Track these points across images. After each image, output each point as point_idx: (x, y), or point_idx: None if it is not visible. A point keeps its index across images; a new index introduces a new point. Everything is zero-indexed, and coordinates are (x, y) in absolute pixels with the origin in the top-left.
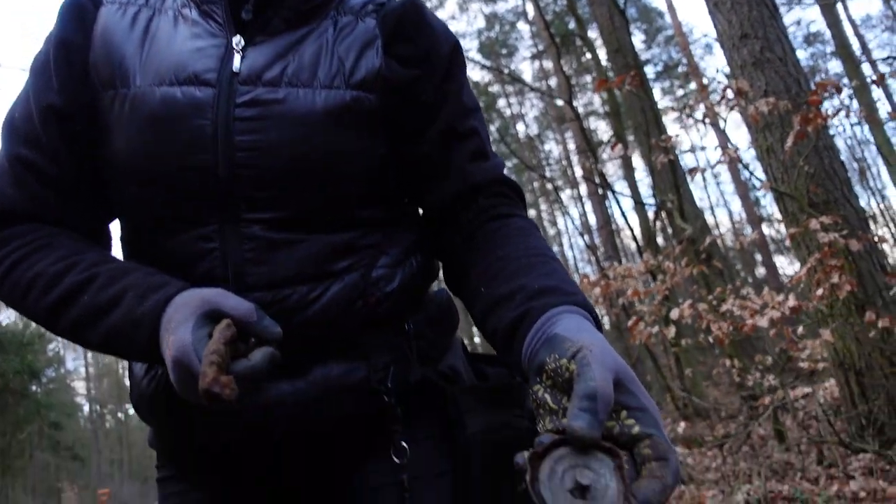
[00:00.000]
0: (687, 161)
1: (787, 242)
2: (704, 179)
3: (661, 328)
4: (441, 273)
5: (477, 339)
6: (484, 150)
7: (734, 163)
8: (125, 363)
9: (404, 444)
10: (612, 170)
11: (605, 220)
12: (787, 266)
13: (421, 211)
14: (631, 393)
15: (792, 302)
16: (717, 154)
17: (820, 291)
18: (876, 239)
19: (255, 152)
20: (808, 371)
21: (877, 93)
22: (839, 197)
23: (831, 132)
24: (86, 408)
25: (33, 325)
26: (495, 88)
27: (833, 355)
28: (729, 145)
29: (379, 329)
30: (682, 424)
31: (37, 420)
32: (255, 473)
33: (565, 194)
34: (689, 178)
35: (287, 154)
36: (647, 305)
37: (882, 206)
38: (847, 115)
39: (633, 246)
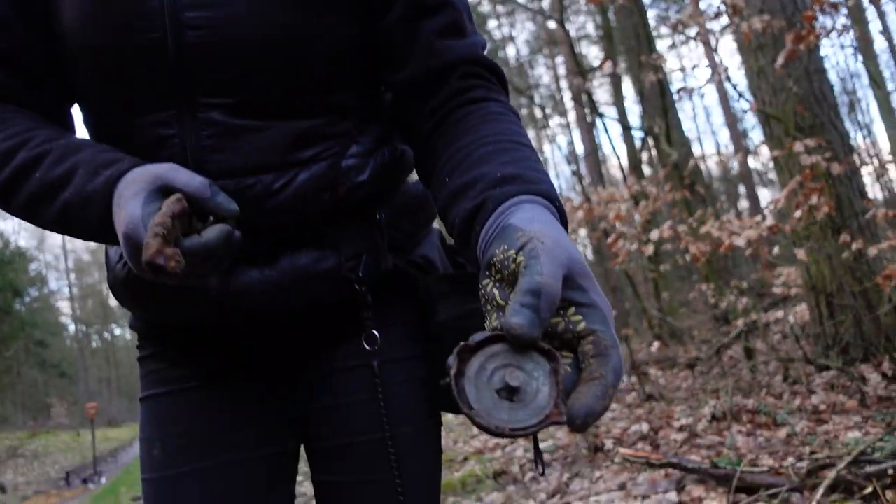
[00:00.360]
0: (677, 88)
1: (771, 175)
2: (694, 111)
3: (640, 246)
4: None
5: None
6: (458, 25)
7: (722, 84)
8: (107, 285)
9: (375, 332)
10: (602, 97)
11: (593, 148)
12: (770, 199)
13: (389, 95)
14: (581, 289)
15: (769, 221)
16: (707, 77)
17: (798, 213)
18: (858, 164)
19: (208, 31)
20: (781, 297)
21: (874, 25)
22: (826, 121)
23: (825, 63)
24: (71, 327)
25: (14, 243)
26: (485, 8)
27: (806, 278)
28: (719, 65)
29: (349, 219)
30: (656, 344)
31: (22, 337)
32: (229, 352)
33: (553, 122)
34: (677, 99)
35: (242, 33)
36: (629, 228)
37: (867, 141)
38: (840, 35)
39: (618, 175)
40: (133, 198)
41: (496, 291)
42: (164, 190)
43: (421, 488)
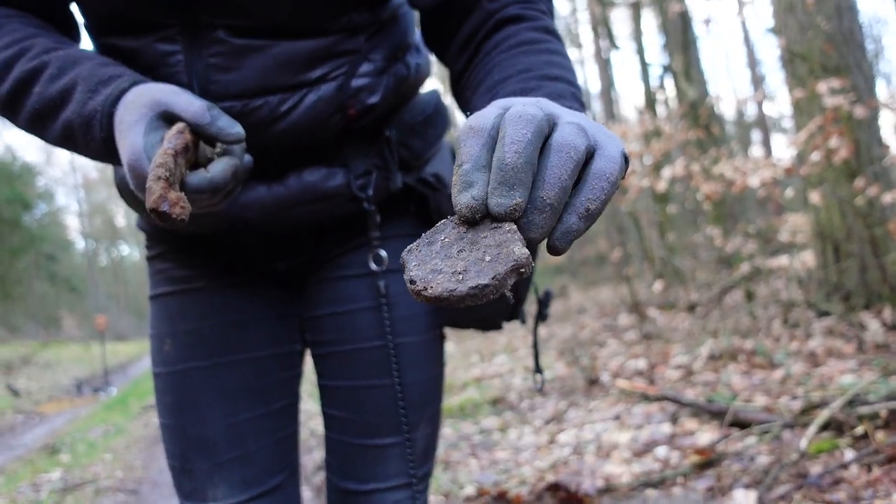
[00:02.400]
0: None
1: (785, 123)
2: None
3: (652, 181)
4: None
5: None
6: None
7: (745, 24)
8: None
9: (382, 252)
10: (621, 31)
11: (607, 85)
12: (784, 146)
13: (419, 16)
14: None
15: (786, 163)
16: (730, 13)
17: (815, 156)
18: (880, 107)
19: None
20: (787, 244)
21: None
22: (851, 63)
23: (856, 1)
24: (80, 244)
25: (21, 157)
26: None
27: (814, 223)
28: (746, 1)
29: (358, 137)
30: (658, 285)
31: (32, 251)
32: (236, 257)
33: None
34: (702, 31)
35: None
36: (641, 166)
37: (889, 90)
38: None
39: (632, 116)
40: (134, 125)
41: None
42: (164, 116)
43: (420, 395)
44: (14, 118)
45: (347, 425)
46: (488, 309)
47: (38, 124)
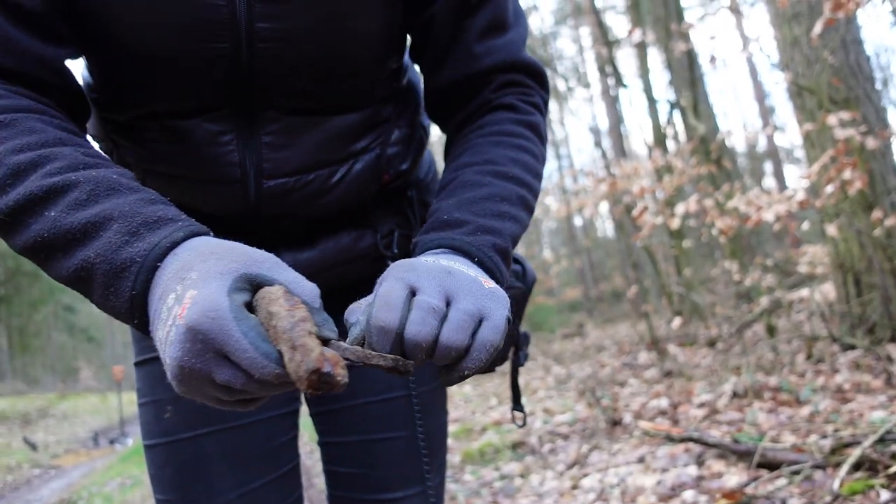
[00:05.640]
0: (708, 57)
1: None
2: (722, 91)
3: (666, 219)
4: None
5: None
6: (501, 20)
7: (751, 58)
8: None
9: None
10: (627, 70)
11: (616, 122)
12: (797, 178)
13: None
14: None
15: (801, 196)
16: (736, 49)
17: (830, 188)
18: (893, 138)
19: (276, 42)
20: (806, 276)
21: None
22: (860, 94)
23: (861, 34)
24: None
25: None
26: None
27: (833, 255)
28: (750, 38)
29: (386, 200)
30: (677, 321)
31: (51, 302)
32: None
33: (576, 95)
34: (708, 68)
35: (307, 43)
36: (653, 203)
37: None
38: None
39: (641, 151)
40: (212, 278)
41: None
42: (255, 281)
43: (437, 441)
44: (8, 238)
45: (357, 482)
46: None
47: (41, 254)
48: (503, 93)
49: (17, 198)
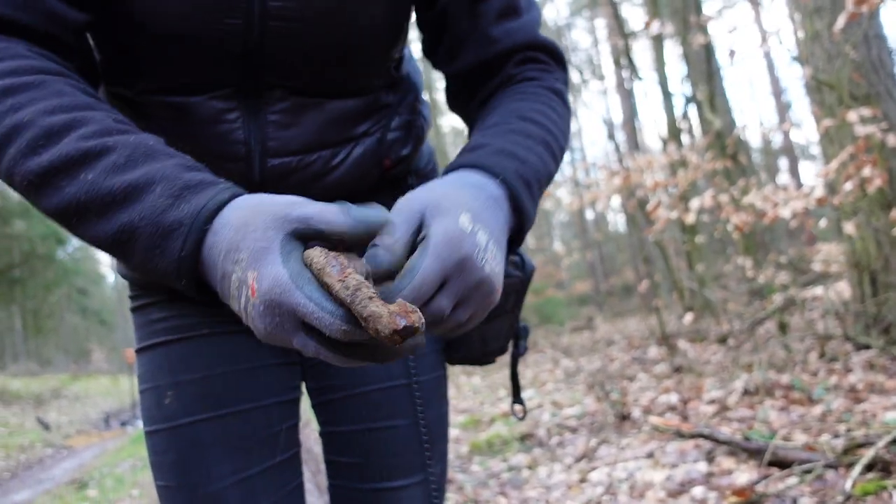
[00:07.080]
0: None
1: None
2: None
3: (681, 213)
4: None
5: None
6: (514, 5)
7: (769, 53)
8: None
9: None
10: (643, 63)
11: (630, 114)
12: (812, 174)
13: (444, 76)
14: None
15: (819, 192)
16: (754, 43)
17: (848, 185)
18: None
19: (288, 21)
20: (820, 274)
21: None
22: (882, 91)
23: (884, 30)
24: (111, 277)
25: None
26: None
27: (850, 254)
28: (769, 32)
29: (386, 186)
30: (688, 316)
31: (64, 285)
32: None
33: (591, 87)
34: (725, 62)
35: (318, 23)
36: (667, 197)
37: None
38: None
39: (655, 145)
40: (265, 253)
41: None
42: (294, 234)
43: (434, 433)
44: (37, 198)
45: (358, 471)
46: (495, 344)
47: (74, 217)
48: (525, 68)
49: (52, 159)
